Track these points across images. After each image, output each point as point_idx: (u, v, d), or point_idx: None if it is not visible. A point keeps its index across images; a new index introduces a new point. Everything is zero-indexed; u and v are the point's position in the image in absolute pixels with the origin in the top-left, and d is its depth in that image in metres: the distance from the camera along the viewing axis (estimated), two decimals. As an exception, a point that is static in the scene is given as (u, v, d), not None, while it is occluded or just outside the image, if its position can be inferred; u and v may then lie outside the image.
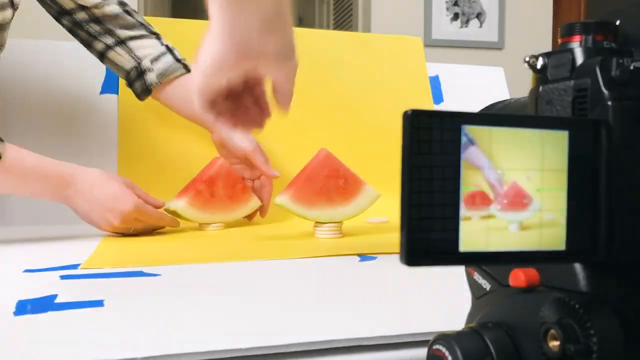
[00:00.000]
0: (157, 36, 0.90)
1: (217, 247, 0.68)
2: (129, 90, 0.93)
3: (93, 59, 0.98)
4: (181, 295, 0.45)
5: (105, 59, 0.89)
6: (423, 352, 0.26)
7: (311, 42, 1.10)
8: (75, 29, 0.88)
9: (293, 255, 0.61)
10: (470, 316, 0.29)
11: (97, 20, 0.87)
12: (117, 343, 0.34)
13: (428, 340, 0.26)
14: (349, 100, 1.09)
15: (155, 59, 0.87)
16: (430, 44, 2.85)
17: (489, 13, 2.98)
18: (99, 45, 0.88)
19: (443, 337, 0.24)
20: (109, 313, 0.40)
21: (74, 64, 0.98)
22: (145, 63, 0.87)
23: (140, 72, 0.87)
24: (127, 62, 0.87)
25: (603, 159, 0.21)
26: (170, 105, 0.90)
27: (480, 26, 2.97)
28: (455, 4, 2.93)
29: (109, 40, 0.87)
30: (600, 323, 0.20)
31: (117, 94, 0.97)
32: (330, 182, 0.74)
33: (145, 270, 0.54)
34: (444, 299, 0.44)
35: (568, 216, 0.21)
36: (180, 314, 0.39)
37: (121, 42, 0.87)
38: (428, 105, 1.13)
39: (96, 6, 0.86)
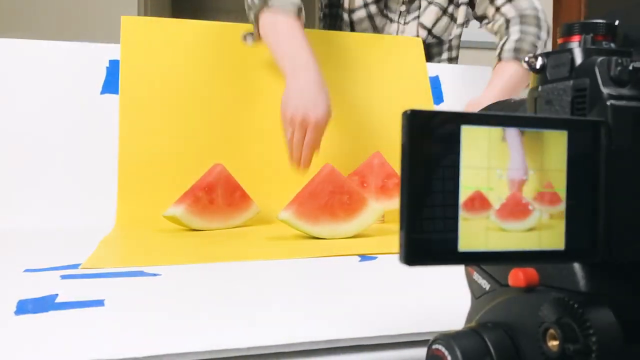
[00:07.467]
0: None
1: (217, 247, 0.68)
2: (129, 90, 0.93)
3: (93, 59, 0.98)
4: (181, 295, 0.45)
5: None
6: (423, 352, 0.26)
7: (311, 42, 1.10)
8: None
9: (293, 255, 0.61)
10: (470, 316, 0.29)
11: None
12: (117, 343, 0.34)
13: (428, 340, 0.26)
14: (349, 100, 1.09)
15: None
16: (430, 44, 2.85)
17: (489, 13, 2.97)
18: None
19: (443, 337, 0.24)
20: (109, 313, 0.40)
21: (74, 64, 0.98)
22: None
23: None
24: None
25: (602, 158, 0.21)
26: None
27: (480, 26, 2.96)
28: (455, 4, 2.93)
29: None
30: (599, 322, 0.21)
31: (117, 94, 0.97)
32: (334, 198, 0.74)
33: (145, 270, 0.54)
34: (443, 299, 0.44)
35: (567, 216, 0.21)
36: (180, 314, 0.39)
37: None
38: (428, 105, 1.13)
39: None
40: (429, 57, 1.22)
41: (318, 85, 0.85)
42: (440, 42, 1.20)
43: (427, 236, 0.20)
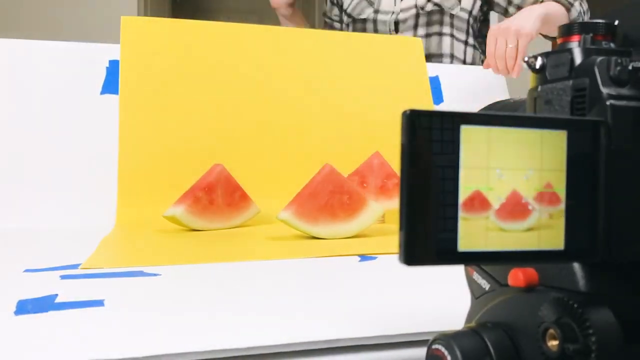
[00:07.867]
0: None
1: (217, 247, 0.68)
2: (129, 91, 0.93)
3: (93, 59, 0.98)
4: (181, 295, 0.45)
5: None
6: (423, 352, 0.26)
7: (311, 42, 1.10)
8: None
9: (293, 255, 0.61)
10: (470, 316, 0.29)
11: None
12: (117, 343, 0.34)
13: (428, 340, 0.26)
14: (349, 99, 1.09)
15: None
16: (430, 44, 2.85)
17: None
18: None
19: (442, 337, 0.24)
20: (109, 313, 0.40)
21: (74, 64, 0.98)
22: None
23: None
24: None
25: (601, 158, 0.21)
26: None
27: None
28: (455, 4, 2.93)
29: None
30: (599, 322, 0.21)
31: (117, 94, 0.97)
32: (334, 198, 0.74)
33: (145, 270, 0.54)
34: (443, 299, 0.44)
35: (567, 216, 0.21)
36: (180, 314, 0.39)
37: None
38: (428, 105, 1.13)
39: None
40: (429, 25, 1.17)
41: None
42: (441, 10, 1.16)
43: (427, 236, 0.20)
